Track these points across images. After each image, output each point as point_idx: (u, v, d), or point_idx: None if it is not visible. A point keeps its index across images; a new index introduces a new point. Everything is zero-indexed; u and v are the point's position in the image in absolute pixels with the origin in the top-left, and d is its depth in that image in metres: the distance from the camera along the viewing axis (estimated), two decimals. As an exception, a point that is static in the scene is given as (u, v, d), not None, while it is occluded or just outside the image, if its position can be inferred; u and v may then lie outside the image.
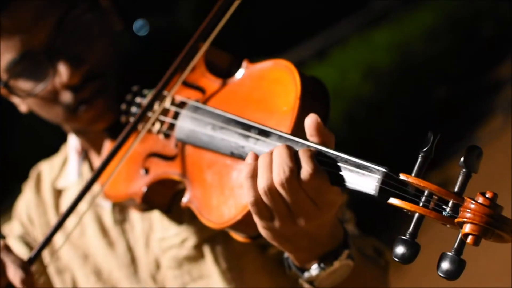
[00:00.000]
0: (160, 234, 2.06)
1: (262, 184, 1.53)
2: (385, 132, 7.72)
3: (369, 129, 7.51)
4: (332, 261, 1.68)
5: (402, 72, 8.38)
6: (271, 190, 1.52)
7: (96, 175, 1.85)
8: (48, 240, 1.84)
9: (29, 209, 2.22)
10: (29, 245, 2.19)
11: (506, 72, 9.27)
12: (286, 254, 1.74)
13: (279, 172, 1.50)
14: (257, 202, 1.55)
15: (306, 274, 1.71)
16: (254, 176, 1.54)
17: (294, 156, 1.51)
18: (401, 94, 8.20)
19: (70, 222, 2.09)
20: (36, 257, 1.84)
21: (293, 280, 1.83)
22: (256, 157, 1.56)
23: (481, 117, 8.42)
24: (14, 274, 1.78)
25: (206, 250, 2.03)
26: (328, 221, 1.61)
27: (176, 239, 2.04)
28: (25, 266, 1.79)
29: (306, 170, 1.49)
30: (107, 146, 2.05)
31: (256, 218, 1.59)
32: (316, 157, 1.51)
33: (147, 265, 2.09)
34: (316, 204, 1.53)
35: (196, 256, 2.04)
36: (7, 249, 1.82)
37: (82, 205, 1.97)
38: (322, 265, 1.68)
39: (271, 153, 1.54)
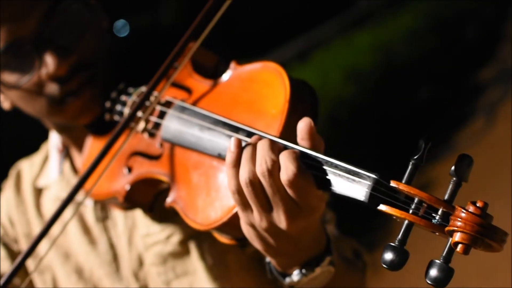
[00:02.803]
0: (144, 230, 2.04)
1: (244, 174, 1.53)
2: (367, 134, 7.72)
3: (351, 131, 7.50)
4: (314, 267, 1.67)
5: (384, 74, 8.40)
6: (253, 181, 1.52)
7: (82, 180, 1.81)
8: (30, 251, 1.80)
9: (9, 208, 2.19)
10: (7, 246, 2.16)
11: (489, 75, 9.32)
12: (268, 259, 1.73)
13: (262, 163, 1.50)
14: (239, 191, 1.55)
15: (287, 280, 1.70)
16: (237, 165, 1.55)
17: (278, 151, 1.51)
18: (383, 95, 8.22)
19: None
20: (8, 282, 1.79)
21: (275, 280, 1.82)
22: (240, 144, 1.56)
23: (463, 120, 8.45)
24: None
25: (192, 246, 2.02)
26: (312, 225, 1.60)
27: (161, 235, 2.02)
28: None
29: (290, 169, 1.48)
30: (89, 142, 2.03)
31: (238, 210, 1.59)
32: (303, 159, 1.50)
33: (130, 262, 2.07)
34: (298, 204, 1.52)
35: (181, 252, 2.03)
36: None
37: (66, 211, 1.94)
38: (303, 271, 1.67)
39: (255, 144, 1.54)
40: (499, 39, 10.00)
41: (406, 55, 8.81)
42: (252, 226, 1.59)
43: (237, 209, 1.59)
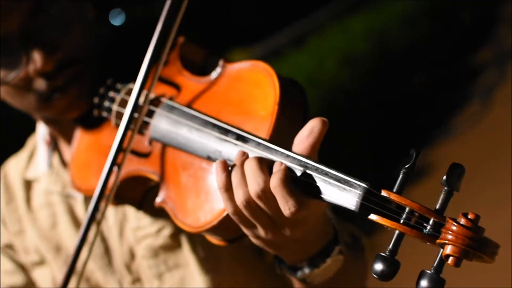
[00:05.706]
0: (134, 223, 2.04)
1: (240, 198, 1.51)
2: (362, 118, 7.73)
3: (347, 116, 7.50)
4: (325, 258, 1.68)
5: (379, 59, 8.40)
6: (250, 203, 1.51)
7: (98, 200, 1.79)
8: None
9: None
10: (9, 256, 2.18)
11: (484, 58, 9.31)
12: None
13: (254, 185, 1.48)
14: (238, 213, 1.54)
15: (299, 273, 1.71)
16: (229, 188, 1.53)
17: (268, 168, 1.49)
18: (378, 81, 8.22)
19: (43, 216, 2.12)
20: None
21: (269, 268, 1.85)
22: (226, 166, 1.53)
23: (460, 103, 8.45)
24: None
25: (183, 239, 2.01)
26: (317, 222, 1.59)
27: (152, 228, 2.02)
28: None
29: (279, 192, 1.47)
30: (78, 135, 2.03)
31: (242, 228, 1.58)
32: (294, 168, 1.48)
33: (121, 255, 2.07)
34: None
35: (173, 245, 2.02)
36: None
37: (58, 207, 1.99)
38: (315, 262, 1.68)
39: (242, 166, 1.52)
40: (495, 21, 9.98)
41: (401, 40, 8.81)
42: (260, 238, 1.59)
43: (241, 226, 1.58)
